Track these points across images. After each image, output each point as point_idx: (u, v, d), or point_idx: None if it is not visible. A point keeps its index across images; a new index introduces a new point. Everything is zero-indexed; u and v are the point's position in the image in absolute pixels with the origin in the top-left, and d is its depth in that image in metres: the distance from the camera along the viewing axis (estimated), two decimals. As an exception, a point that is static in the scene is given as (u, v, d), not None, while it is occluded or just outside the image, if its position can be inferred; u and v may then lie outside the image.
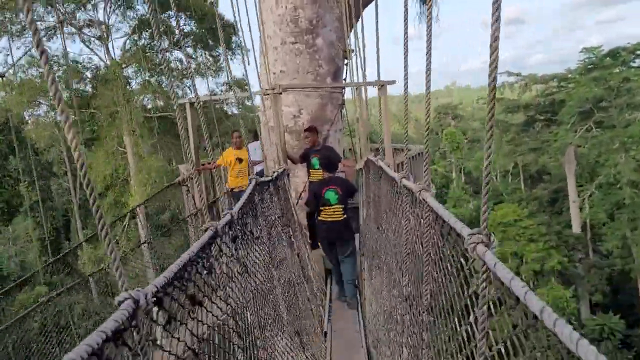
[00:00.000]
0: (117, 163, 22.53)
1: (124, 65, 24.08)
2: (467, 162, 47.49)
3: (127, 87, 23.36)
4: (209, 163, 8.42)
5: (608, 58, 32.20)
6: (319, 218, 6.21)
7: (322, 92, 8.54)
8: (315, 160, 7.65)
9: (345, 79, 9.24)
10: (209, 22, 23.79)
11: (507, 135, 38.11)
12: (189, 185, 7.71)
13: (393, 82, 7.51)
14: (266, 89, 7.11)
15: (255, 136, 8.70)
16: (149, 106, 26.77)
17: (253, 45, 6.43)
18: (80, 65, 23.94)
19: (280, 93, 7.20)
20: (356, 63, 7.23)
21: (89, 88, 24.28)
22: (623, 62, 31.87)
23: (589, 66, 32.83)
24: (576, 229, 32.41)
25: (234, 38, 23.41)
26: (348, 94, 9.15)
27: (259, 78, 7.66)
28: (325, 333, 5.48)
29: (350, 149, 10.65)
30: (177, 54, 27.97)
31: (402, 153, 9.03)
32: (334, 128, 8.71)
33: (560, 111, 33.45)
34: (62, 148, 28.77)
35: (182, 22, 24.66)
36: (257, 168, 8.17)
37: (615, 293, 30.62)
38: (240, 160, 8.09)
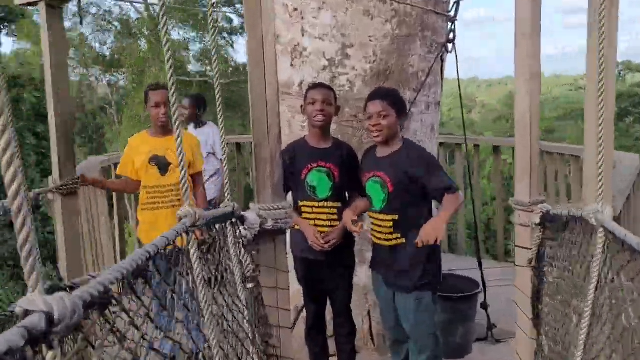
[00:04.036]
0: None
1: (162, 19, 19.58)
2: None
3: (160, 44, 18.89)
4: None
5: None
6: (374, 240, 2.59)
7: (403, 6, 3.21)
8: (318, 175, 2.59)
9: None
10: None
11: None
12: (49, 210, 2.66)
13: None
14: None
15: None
16: (208, 73, 22.37)
17: None
18: (111, 17, 19.64)
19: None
20: None
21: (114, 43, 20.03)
22: None
23: None
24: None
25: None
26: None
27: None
28: None
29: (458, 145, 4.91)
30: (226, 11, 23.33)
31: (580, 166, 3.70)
32: (426, 98, 3.33)
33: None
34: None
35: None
36: (211, 191, 3.16)
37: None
38: (161, 164, 3.05)
